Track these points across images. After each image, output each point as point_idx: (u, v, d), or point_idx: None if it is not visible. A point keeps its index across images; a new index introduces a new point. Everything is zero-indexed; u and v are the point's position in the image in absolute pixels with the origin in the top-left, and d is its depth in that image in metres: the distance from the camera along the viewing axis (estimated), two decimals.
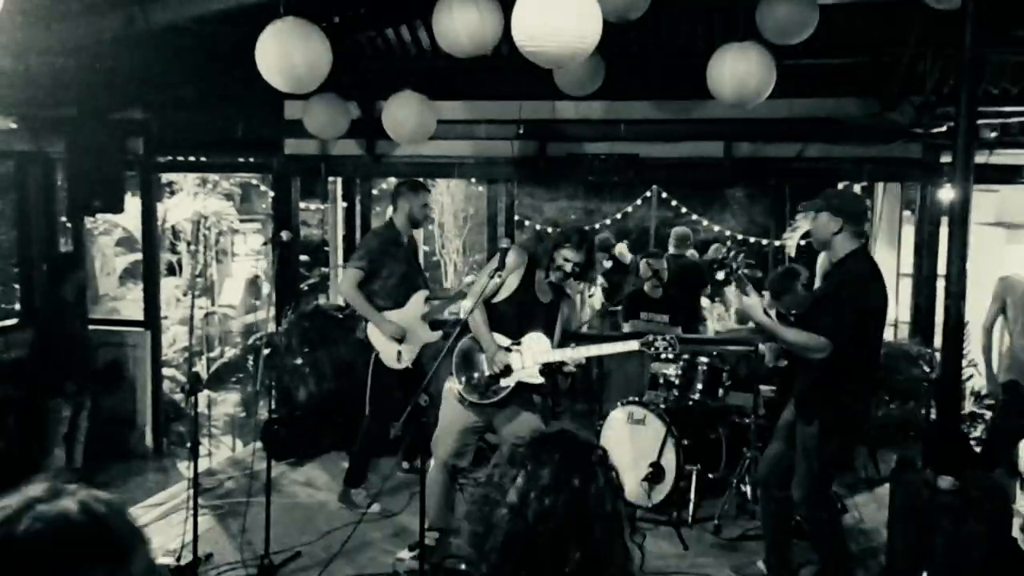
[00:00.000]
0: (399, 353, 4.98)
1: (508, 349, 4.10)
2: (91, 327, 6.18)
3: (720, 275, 3.96)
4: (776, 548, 4.12)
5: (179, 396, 7.07)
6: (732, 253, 3.94)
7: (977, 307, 5.01)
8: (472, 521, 1.53)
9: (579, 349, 4.07)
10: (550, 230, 9.00)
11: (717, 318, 8.12)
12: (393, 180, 8.95)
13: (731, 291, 3.81)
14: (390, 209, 5.29)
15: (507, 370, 4.05)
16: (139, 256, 7.65)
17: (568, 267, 4.02)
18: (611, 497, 1.51)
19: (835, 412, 3.73)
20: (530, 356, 4.08)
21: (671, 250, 7.71)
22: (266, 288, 10.34)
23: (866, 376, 3.83)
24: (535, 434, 1.61)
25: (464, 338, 4.16)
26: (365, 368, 5.08)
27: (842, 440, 3.79)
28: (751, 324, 4.38)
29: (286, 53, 3.87)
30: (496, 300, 4.12)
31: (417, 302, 5.12)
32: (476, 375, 4.13)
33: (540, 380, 4.11)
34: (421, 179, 5.48)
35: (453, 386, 4.19)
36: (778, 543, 4.11)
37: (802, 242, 5.77)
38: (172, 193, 9.53)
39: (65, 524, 1.04)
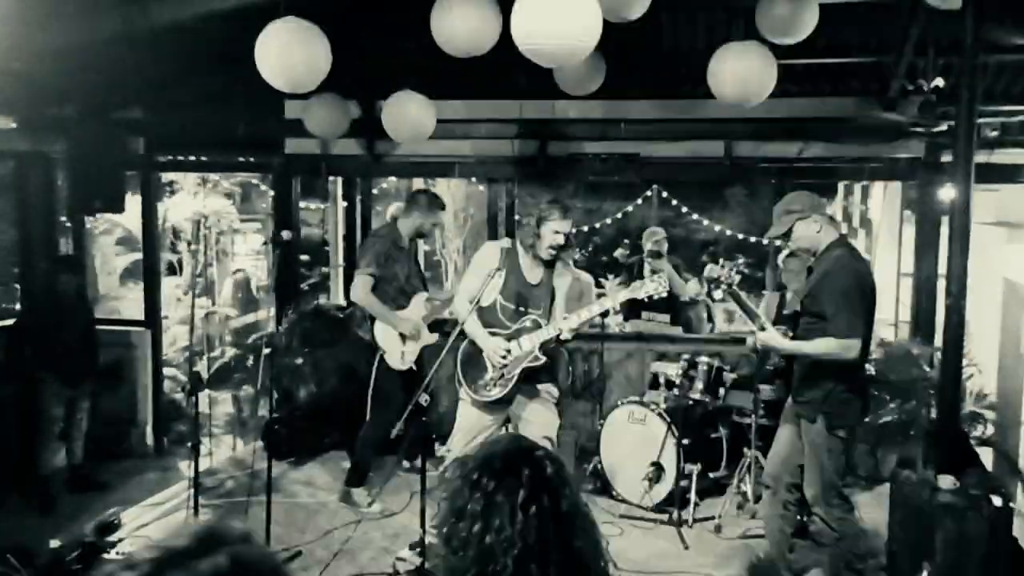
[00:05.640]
0: (403, 354, 5.00)
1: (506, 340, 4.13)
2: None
3: (718, 294, 3.97)
4: (780, 549, 4.12)
5: (179, 396, 7.07)
6: (727, 269, 3.94)
7: (978, 307, 4.99)
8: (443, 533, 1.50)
9: (569, 319, 4.04)
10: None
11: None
12: (393, 179, 8.98)
13: (759, 336, 3.81)
14: (390, 208, 5.28)
15: (508, 355, 4.07)
16: (139, 256, 7.66)
17: (561, 239, 4.05)
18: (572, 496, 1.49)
19: (837, 405, 3.73)
20: (527, 340, 4.10)
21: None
22: (254, 288, 10.35)
23: (862, 363, 3.84)
24: (486, 453, 1.54)
25: (463, 344, 4.19)
26: (366, 367, 5.08)
27: (848, 431, 3.79)
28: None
29: (286, 53, 3.85)
30: (486, 303, 4.10)
31: (418, 304, 5.13)
32: (482, 375, 4.14)
33: (543, 359, 4.12)
34: (438, 196, 5.41)
35: (464, 392, 4.22)
36: (782, 544, 4.10)
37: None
38: (172, 193, 9.54)
39: None
